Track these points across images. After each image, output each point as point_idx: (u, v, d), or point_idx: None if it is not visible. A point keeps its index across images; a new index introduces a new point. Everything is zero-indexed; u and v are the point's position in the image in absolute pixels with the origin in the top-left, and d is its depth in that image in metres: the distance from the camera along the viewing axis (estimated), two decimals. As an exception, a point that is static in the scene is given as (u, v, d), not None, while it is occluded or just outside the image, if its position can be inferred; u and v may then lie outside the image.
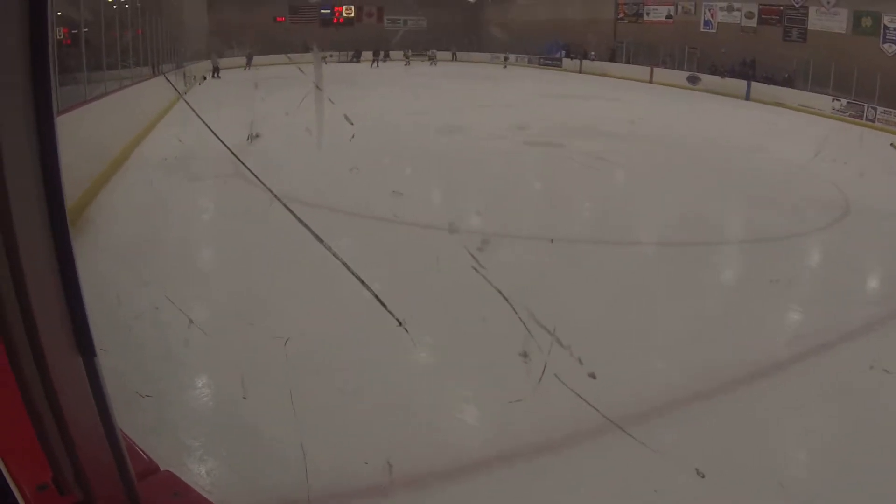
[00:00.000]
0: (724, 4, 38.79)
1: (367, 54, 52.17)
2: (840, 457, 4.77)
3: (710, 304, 7.71)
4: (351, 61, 53.62)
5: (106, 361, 1.46)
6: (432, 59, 55.89)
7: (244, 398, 4.79)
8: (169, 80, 12.24)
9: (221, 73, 39.32)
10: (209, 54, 41.92)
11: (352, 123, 9.17)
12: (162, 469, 1.76)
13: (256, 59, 47.51)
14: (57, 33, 11.57)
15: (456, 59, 59.76)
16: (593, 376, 4.47)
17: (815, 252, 10.29)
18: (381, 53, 53.22)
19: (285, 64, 48.52)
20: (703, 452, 4.53)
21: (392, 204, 10.78)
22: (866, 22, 30.79)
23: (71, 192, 9.59)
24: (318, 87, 10.46)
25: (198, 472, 4.05)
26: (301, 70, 9.89)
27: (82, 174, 10.88)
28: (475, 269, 5.58)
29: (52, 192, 1.32)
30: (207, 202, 11.09)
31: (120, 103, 14.70)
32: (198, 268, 8.20)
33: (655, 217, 11.55)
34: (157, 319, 5.86)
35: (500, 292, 4.67)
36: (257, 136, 11.58)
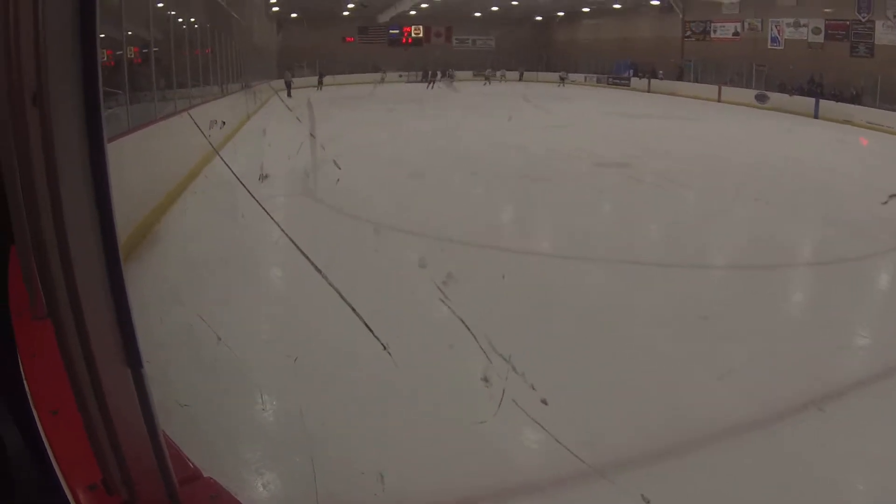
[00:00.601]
0: (791, 20, 38.25)
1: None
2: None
3: (772, 328, 7.59)
4: (422, 81, 54.20)
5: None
6: (488, 79, 55.92)
7: (263, 409, 5.25)
8: (192, 118, 12.43)
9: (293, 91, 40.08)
10: (282, 73, 42.75)
11: (339, 168, 9.49)
12: (205, 476, 1.88)
13: (326, 79, 48.46)
14: (128, 52, 11.83)
15: (523, 80, 59.78)
16: (545, 402, 4.77)
17: (883, 274, 10.08)
18: (439, 74, 53.56)
19: (355, 84, 49.61)
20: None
21: (451, 223, 11.00)
22: (933, 35, 30.04)
23: (140, 209, 9.91)
24: (311, 135, 10.82)
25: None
26: (293, 112, 10.29)
27: (153, 191, 11.12)
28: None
29: (105, 218, 1.44)
30: (271, 221, 11.30)
31: (190, 121, 14.97)
32: (256, 285, 8.43)
33: (724, 239, 11.38)
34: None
35: (463, 322, 5.19)
36: (267, 176, 11.89)
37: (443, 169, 17.04)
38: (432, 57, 58.82)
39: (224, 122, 16.25)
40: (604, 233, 11.54)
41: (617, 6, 52.74)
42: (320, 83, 46.56)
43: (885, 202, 10.38)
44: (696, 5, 45.21)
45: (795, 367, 6.29)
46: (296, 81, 42.99)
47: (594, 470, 4.44)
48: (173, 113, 13.67)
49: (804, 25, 37.39)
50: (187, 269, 8.90)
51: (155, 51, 13.65)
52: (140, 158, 10.37)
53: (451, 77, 54.10)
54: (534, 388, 4.87)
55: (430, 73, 52.69)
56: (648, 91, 48.46)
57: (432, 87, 49.31)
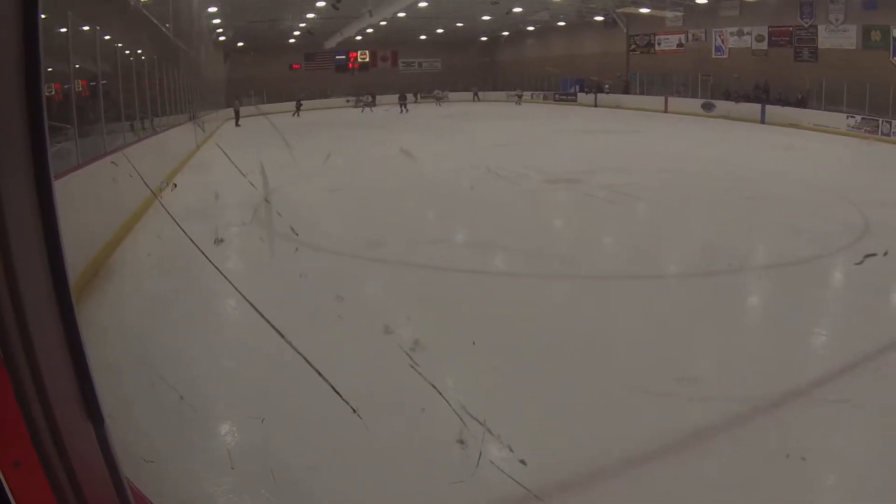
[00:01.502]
0: (735, 29, 38.92)
1: (390, 97, 51.93)
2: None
3: (734, 331, 7.64)
4: (356, 106, 53.51)
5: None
6: (439, 101, 55.53)
7: (232, 468, 4.95)
8: (128, 160, 12.08)
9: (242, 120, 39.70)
10: (231, 102, 42.42)
11: (296, 235, 9.36)
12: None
13: (273, 105, 48.37)
14: (76, 86, 11.66)
15: (478, 99, 59.77)
16: (524, 462, 4.60)
17: (837, 274, 10.19)
18: (409, 97, 52.62)
19: (327, 108, 49.37)
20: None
21: (414, 251, 10.98)
22: (875, 36, 30.68)
23: (92, 244, 9.73)
24: (266, 200, 10.64)
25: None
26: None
27: (103, 226, 10.93)
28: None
29: (57, 269, 1.37)
30: (224, 254, 11.10)
31: (140, 154, 14.79)
32: (203, 326, 8.14)
33: (678, 248, 11.44)
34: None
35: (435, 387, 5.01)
36: (222, 240, 11.58)
37: (400, 187, 17.04)
38: (380, 81, 59.01)
39: (176, 185, 16.01)
40: (565, 250, 11.55)
41: (561, 24, 53.28)
42: (298, 110, 46.14)
43: (860, 262, 10.57)
44: (640, 19, 45.87)
45: (760, 368, 6.35)
46: (263, 108, 42.83)
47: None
48: (122, 146, 13.48)
49: (748, 34, 38.08)
50: (141, 304, 8.75)
51: (103, 83, 13.49)
52: (91, 192, 10.19)
53: (373, 102, 52.96)
54: (511, 450, 4.74)
55: (405, 95, 51.47)
56: (595, 105, 49.08)
57: (405, 111, 48.43)
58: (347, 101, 55.48)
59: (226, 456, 5.09)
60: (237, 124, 39.15)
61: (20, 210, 1.35)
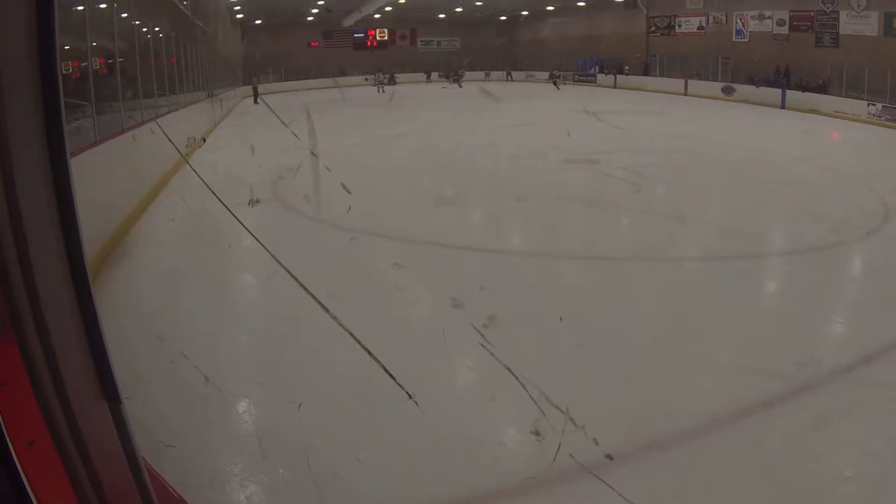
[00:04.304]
0: (756, 13, 38.55)
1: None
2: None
3: (752, 317, 7.60)
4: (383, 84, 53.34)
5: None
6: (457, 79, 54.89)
7: (263, 457, 4.66)
8: (161, 128, 12.02)
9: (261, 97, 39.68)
10: (249, 79, 42.47)
11: (349, 192, 9.14)
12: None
13: (293, 84, 48.21)
14: (93, 63, 11.68)
15: (512, 79, 59.08)
16: (610, 458, 4.35)
17: (857, 261, 10.13)
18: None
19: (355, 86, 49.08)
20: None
21: (431, 226, 10.93)
22: (897, 23, 30.30)
23: (109, 222, 9.75)
24: (313, 153, 10.37)
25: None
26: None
27: (121, 203, 10.95)
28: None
29: (72, 246, 1.35)
30: (239, 232, 11.04)
31: (158, 131, 14.76)
32: (221, 311, 7.85)
33: (697, 233, 11.40)
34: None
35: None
36: (258, 201, 11.40)
37: (422, 166, 17.01)
38: (398, 59, 58.88)
39: (204, 140, 16.01)
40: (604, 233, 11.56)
41: (581, 3, 52.83)
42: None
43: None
44: (660, 1, 45.49)
45: (776, 354, 6.29)
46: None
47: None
48: (140, 123, 13.49)
49: (769, 17, 37.67)
50: (163, 278, 8.72)
51: (120, 61, 13.48)
52: (109, 170, 10.22)
53: (390, 81, 51.76)
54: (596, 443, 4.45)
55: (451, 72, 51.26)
56: (615, 87, 48.58)
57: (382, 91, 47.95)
58: (366, 79, 55.30)
59: (255, 444, 4.78)
60: (256, 101, 39.07)
61: (34, 186, 1.33)
